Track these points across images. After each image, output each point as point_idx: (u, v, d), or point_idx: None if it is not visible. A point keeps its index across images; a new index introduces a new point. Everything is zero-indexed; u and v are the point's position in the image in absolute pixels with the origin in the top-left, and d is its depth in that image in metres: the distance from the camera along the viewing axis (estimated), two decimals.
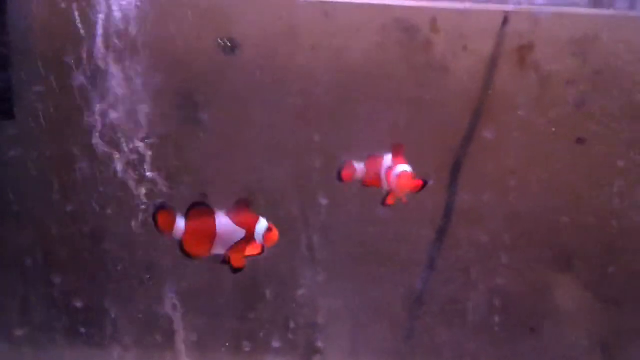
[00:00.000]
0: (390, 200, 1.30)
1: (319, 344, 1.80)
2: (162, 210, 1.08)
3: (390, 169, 1.27)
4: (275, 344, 1.78)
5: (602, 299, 1.67)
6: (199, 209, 1.08)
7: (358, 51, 1.61)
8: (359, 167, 1.33)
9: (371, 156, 1.32)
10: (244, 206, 1.11)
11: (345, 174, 1.34)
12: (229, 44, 1.63)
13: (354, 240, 1.73)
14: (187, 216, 1.07)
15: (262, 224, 1.10)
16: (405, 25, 1.60)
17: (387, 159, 1.29)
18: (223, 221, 1.08)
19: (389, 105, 1.64)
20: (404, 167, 1.25)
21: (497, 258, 1.70)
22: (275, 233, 1.10)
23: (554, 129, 1.60)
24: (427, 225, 1.71)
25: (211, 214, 1.08)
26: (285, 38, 1.61)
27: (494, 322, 1.73)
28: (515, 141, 1.63)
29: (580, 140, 1.60)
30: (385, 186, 1.29)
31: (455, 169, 1.68)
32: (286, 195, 1.70)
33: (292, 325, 1.77)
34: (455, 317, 1.75)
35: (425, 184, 1.26)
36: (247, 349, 1.79)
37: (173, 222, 1.07)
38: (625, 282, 1.65)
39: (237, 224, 1.09)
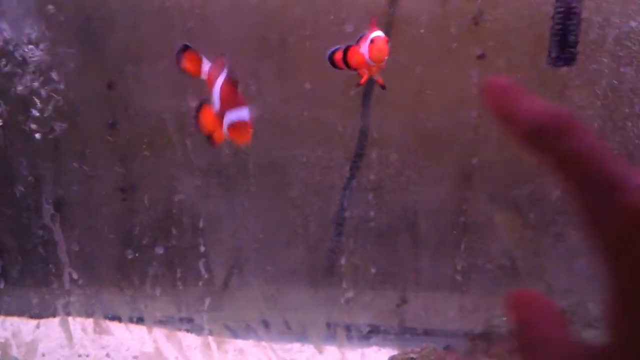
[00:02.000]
0: (363, 78, 1.24)
1: (239, 269, 1.82)
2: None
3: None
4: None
5: (506, 208, 1.74)
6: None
7: None
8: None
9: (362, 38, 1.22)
10: (234, 84, 1.04)
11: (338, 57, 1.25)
12: None
13: (267, 164, 1.74)
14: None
15: (232, 115, 1.00)
16: None
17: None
18: (216, 88, 1.04)
19: (293, 34, 1.64)
20: (378, 33, 1.17)
21: (407, 176, 1.75)
22: (244, 133, 1.00)
23: (455, 45, 1.63)
24: (339, 148, 1.74)
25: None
26: None
27: (406, 239, 1.78)
28: (420, 60, 1.66)
29: (481, 56, 1.64)
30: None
31: (367, 93, 1.70)
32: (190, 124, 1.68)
33: (202, 249, 1.78)
34: (370, 236, 1.79)
35: None
36: (130, 256, 1.80)
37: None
38: (527, 190, 1.73)
39: (221, 99, 1.03)
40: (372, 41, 1.17)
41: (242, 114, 1.02)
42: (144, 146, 1.71)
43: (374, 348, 1.69)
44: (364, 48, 1.19)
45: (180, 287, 1.77)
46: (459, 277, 1.75)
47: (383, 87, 1.27)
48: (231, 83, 1.04)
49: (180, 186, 1.74)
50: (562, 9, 1.46)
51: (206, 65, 1.11)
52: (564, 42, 1.46)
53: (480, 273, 1.74)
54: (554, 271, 1.75)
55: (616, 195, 0.30)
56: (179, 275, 1.77)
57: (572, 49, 1.46)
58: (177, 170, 1.74)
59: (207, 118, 1.05)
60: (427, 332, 1.73)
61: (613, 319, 0.31)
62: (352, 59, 1.21)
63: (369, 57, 1.18)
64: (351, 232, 1.79)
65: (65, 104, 1.66)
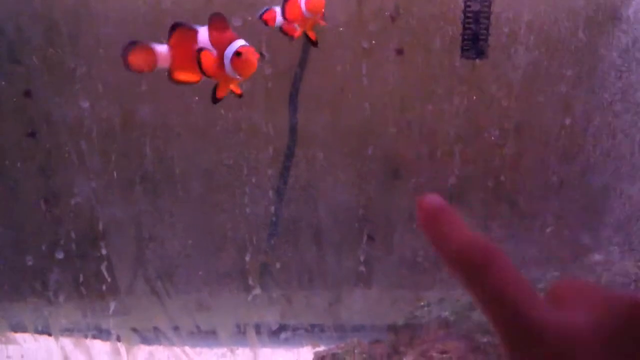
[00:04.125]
0: (298, 32, 1.25)
1: (170, 276, 1.80)
2: (134, 47, 0.97)
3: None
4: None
5: None
6: (181, 30, 0.97)
7: None
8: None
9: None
10: (221, 23, 0.97)
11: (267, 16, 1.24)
12: None
13: (192, 169, 1.73)
14: (169, 41, 0.96)
15: (233, 45, 0.95)
16: None
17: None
18: (203, 40, 0.96)
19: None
20: None
21: (334, 174, 1.76)
22: (248, 59, 0.94)
23: (374, 42, 1.65)
24: (265, 148, 1.73)
25: (193, 34, 0.97)
26: None
27: (335, 236, 1.79)
28: (340, 58, 1.67)
29: (399, 52, 1.66)
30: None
31: (293, 92, 1.70)
32: (115, 131, 1.67)
33: (143, 260, 1.76)
34: (299, 236, 1.80)
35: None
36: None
37: (150, 54, 0.97)
38: (451, 182, 1.76)
39: (212, 42, 0.97)
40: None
41: (240, 43, 0.97)
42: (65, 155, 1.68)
43: (308, 347, 1.69)
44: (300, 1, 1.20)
45: (97, 294, 1.74)
46: (388, 272, 1.77)
47: (315, 43, 1.29)
48: (220, 22, 0.99)
49: (105, 195, 1.71)
50: (471, 3, 1.49)
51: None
52: (475, 36, 1.49)
53: (408, 267, 1.77)
54: None
55: (531, 341, 0.33)
56: (103, 283, 1.74)
57: (482, 42, 1.50)
58: (101, 178, 1.71)
59: (208, 62, 0.98)
60: (358, 329, 1.74)
61: None
62: (290, 12, 1.21)
63: (306, 9, 1.19)
64: (282, 232, 1.79)
65: None
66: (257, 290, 1.78)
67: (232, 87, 1.04)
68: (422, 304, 1.52)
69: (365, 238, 1.79)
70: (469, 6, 1.50)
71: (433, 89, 1.68)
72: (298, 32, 1.26)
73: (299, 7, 1.21)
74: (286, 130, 1.73)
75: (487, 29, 1.50)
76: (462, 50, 1.51)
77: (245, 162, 1.74)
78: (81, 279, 1.73)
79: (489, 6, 1.50)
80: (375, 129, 1.73)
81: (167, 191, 1.74)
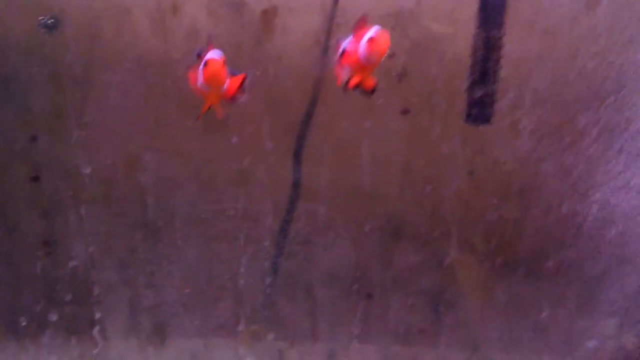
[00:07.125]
0: (354, 80, 1.17)
1: (165, 324, 1.78)
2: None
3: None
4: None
5: (430, 262, 1.75)
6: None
7: (184, 27, 1.60)
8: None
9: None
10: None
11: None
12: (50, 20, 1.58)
13: (194, 218, 1.72)
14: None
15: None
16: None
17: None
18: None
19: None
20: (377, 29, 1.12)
21: (335, 230, 1.75)
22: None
23: (381, 101, 1.66)
24: (267, 202, 1.73)
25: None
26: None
27: (333, 292, 1.78)
28: (347, 116, 1.67)
29: (404, 111, 1.66)
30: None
31: (298, 148, 1.70)
32: (118, 178, 1.67)
33: (138, 307, 1.74)
34: (297, 290, 1.78)
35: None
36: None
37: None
38: (450, 243, 1.74)
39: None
40: (371, 39, 1.08)
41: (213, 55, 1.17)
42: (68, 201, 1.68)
43: None
44: (360, 45, 1.11)
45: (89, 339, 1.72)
46: (385, 330, 1.75)
47: (373, 90, 1.19)
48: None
49: (105, 240, 1.71)
50: (478, 68, 1.50)
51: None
52: (480, 101, 1.50)
53: (405, 325, 1.75)
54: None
55: None
56: (97, 327, 1.73)
57: (488, 108, 1.50)
58: (101, 224, 1.71)
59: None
60: None
61: None
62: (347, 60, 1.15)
63: (367, 53, 1.09)
64: (279, 285, 1.77)
65: None
66: (250, 343, 1.76)
67: (217, 109, 1.24)
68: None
69: (362, 295, 1.78)
70: (474, 71, 1.51)
71: (436, 149, 1.68)
72: (355, 81, 1.17)
73: (356, 52, 1.12)
74: (289, 184, 1.73)
75: (492, 94, 1.51)
76: (467, 115, 1.51)
77: (246, 213, 1.73)
78: (75, 322, 1.71)
79: (496, 72, 1.51)
80: (377, 187, 1.72)
81: (166, 239, 1.74)
